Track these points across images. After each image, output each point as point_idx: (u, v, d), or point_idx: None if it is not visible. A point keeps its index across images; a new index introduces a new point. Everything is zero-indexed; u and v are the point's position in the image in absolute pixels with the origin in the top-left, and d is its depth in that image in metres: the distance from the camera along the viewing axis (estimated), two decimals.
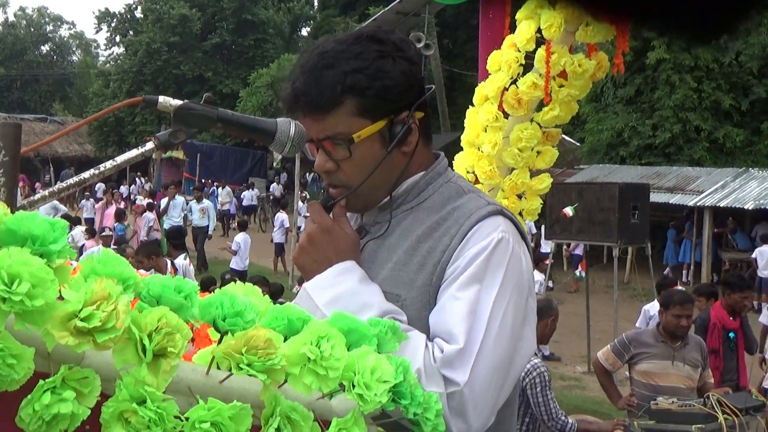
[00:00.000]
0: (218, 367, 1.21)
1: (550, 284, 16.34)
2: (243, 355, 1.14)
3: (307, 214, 1.75)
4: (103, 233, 15.13)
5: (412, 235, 1.65)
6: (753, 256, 17.29)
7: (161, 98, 1.59)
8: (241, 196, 29.92)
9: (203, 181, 30.86)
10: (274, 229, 19.52)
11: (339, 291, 1.58)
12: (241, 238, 14.87)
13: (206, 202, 19.82)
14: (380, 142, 1.64)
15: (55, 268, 1.07)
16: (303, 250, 1.69)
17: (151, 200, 19.57)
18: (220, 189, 29.14)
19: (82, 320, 1.04)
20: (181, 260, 9.63)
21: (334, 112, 1.61)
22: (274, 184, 30.65)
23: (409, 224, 1.68)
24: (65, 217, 18.09)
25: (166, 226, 18.82)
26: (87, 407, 1.08)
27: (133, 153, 1.58)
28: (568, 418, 5.14)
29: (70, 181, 1.54)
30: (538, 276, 12.54)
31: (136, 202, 19.24)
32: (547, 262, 12.65)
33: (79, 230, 15.86)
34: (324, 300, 1.57)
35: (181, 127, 1.59)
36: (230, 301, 1.20)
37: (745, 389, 6.54)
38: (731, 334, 7.41)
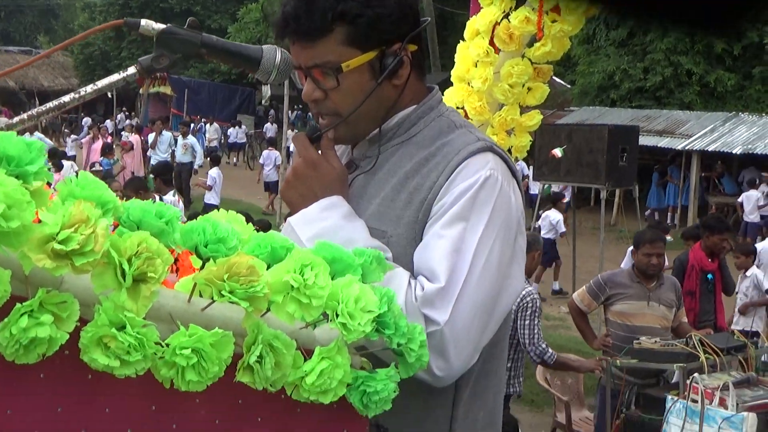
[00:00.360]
0: (201, 295, 1.19)
1: (538, 224, 16.39)
2: (225, 282, 1.12)
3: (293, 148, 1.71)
4: (93, 168, 14.98)
5: (401, 170, 1.62)
6: (739, 200, 17.38)
7: (144, 22, 1.54)
8: (228, 133, 29.67)
9: (191, 117, 30.61)
10: (266, 168, 19.39)
11: (323, 226, 1.55)
12: (215, 172, 14.83)
13: (190, 138, 19.67)
14: (370, 73, 1.60)
15: (32, 191, 1.04)
16: (289, 185, 1.67)
17: (138, 135, 19.42)
18: (207, 125, 28.93)
19: (59, 243, 1.01)
20: (170, 197, 9.59)
21: (323, 39, 1.56)
22: (268, 124, 30.20)
23: (398, 159, 1.64)
24: (53, 151, 17.93)
25: (153, 161, 18.75)
26: (65, 332, 1.06)
27: (115, 77, 1.54)
28: (549, 349, 5.29)
29: (50, 105, 1.50)
30: (557, 215, 12.56)
31: (123, 137, 19.05)
32: (565, 201, 12.62)
33: (70, 165, 15.72)
34: (308, 235, 1.54)
35: (164, 52, 1.55)
36: (212, 228, 1.18)
37: (722, 330, 6.62)
38: (709, 276, 7.46)
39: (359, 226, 1.57)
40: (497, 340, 1.66)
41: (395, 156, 1.65)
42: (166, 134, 19.89)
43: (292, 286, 1.17)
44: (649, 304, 5.63)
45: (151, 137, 19.66)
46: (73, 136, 24.50)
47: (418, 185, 1.58)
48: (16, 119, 1.46)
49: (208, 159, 17.08)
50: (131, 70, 1.54)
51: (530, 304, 5.24)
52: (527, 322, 5.23)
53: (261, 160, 20.67)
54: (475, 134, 1.65)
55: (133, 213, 1.14)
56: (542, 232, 12.48)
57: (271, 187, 18.75)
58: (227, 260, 1.13)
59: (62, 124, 33.90)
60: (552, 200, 13.60)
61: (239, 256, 1.14)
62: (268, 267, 1.20)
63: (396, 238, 1.57)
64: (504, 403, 5.41)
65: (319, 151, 1.68)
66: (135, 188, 8.27)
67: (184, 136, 19.32)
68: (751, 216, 16.38)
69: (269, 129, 29.28)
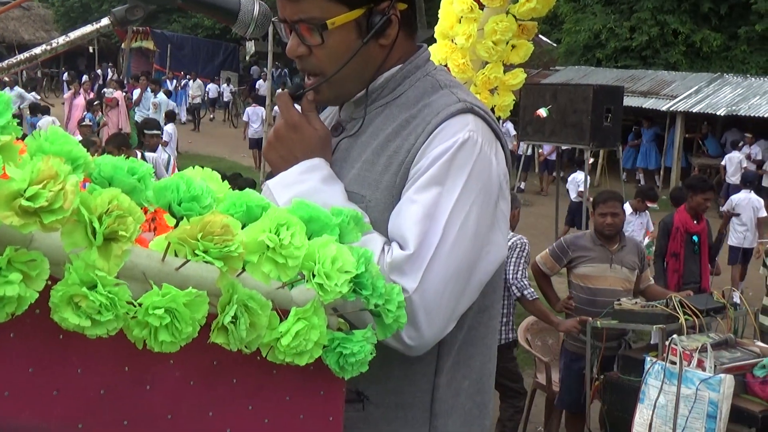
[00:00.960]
0: (176, 254, 1.16)
1: (522, 186, 16.41)
2: (199, 241, 1.09)
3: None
4: (82, 123, 14.76)
5: (383, 133, 1.58)
6: (722, 162, 17.43)
7: None
8: (207, 89, 29.27)
9: (174, 72, 30.26)
10: (253, 125, 19.21)
11: (300, 190, 1.52)
12: (170, 128, 14.79)
13: (160, 96, 19.50)
14: (356, 32, 1.56)
15: (0, 145, 1.01)
16: (270, 146, 1.63)
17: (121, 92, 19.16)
18: (191, 82, 28.59)
19: (27, 200, 0.98)
20: (161, 152, 9.57)
21: None
22: (260, 80, 29.51)
23: (382, 121, 1.60)
24: (34, 105, 17.67)
25: (137, 118, 18.55)
26: (35, 290, 1.03)
27: (88, 29, 1.49)
28: (531, 287, 5.41)
29: (20, 56, 1.46)
30: (580, 175, 12.45)
31: (106, 93, 18.76)
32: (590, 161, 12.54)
33: (48, 120, 15.52)
34: (285, 198, 1.51)
35: (139, 3, 1.50)
36: (186, 185, 1.15)
37: (706, 292, 6.66)
38: (695, 237, 7.51)
39: (338, 190, 1.53)
40: (485, 306, 1.64)
41: (379, 117, 1.62)
42: (150, 93, 19.71)
43: (268, 246, 1.15)
44: (612, 266, 5.60)
45: (136, 93, 19.42)
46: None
47: (397, 148, 1.54)
48: None
49: (164, 115, 16.95)
50: (105, 21, 1.49)
51: (518, 246, 5.54)
52: (513, 260, 5.55)
53: (245, 117, 20.45)
54: (456, 95, 1.59)
55: (104, 169, 1.11)
56: (572, 196, 12.48)
57: (258, 145, 18.51)
58: (201, 219, 1.10)
59: (43, 79, 33.48)
60: (576, 162, 13.48)
61: (213, 214, 1.12)
62: (244, 226, 1.17)
63: (374, 202, 1.54)
64: (507, 353, 5.62)
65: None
66: (117, 144, 8.16)
67: (155, 94, 19.16)
68: (733, 178, 16.43)
69: (261, 86, 28.43)
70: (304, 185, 1.53)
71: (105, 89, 19.33)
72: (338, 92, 1.65)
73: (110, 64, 33.43)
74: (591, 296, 5.61)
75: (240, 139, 21.15)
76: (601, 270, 5.63)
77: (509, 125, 16.73)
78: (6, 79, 18.45)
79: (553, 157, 16.08)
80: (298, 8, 1.54)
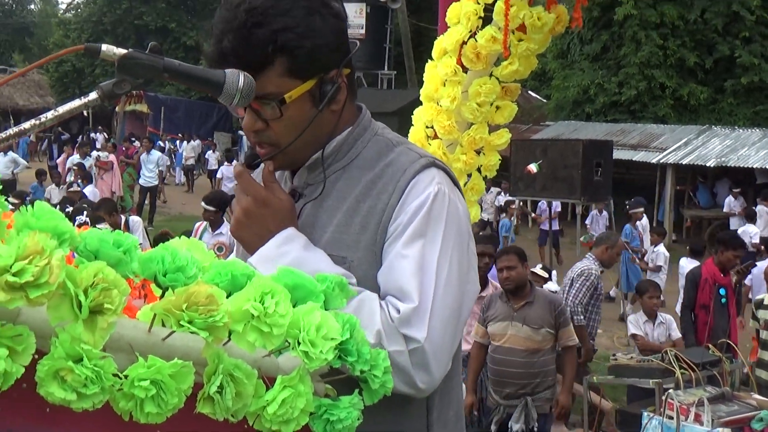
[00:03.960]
0: (163, 324, 1.17)
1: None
2: (184, 311, 1.11)
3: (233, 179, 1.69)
4: (70, 189, 14.68)
5: (350, 195, 1.63)
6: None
7: (104, 47, 1.53)
8: (206, 156, 28.24)
9: (168, 135, 30.40)
10: (228, 185, 19.36)
11: (286, 261, 1.53)
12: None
13: (153, 154, 19.61)
14: (311, 101, 1.61)
15: None
16: (241, 225, 1.64)
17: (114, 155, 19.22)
18: (184, 143, 28.65)
19: (13, 275, 1.00)
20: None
21: (264, 72, 1.56)
22: (210, 151, 28.28)
23: (344, 185, 1.65)
24: (39, 171, 17.55)
25: (141, 182, 18.60)
26: (21, 365, 1.04)
27: (76, 103, 1.52)
28: (583, 319, 5.69)
29: (9, 132, 1.48)
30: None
31: (101, 157, 18.79)
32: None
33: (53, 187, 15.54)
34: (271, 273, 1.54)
35: (126, 78, 1.53)
36: (172, 256, 1.17)
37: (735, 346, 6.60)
38: (722, 290, 7.46)
39: (321, 256, 1.57)
40: None
41: (340, 181, 1.66)
42: (155, 153, 19.80)
43: (253, 315, 1.16)
44: (512, 323, 5.39)
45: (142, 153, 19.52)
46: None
47: (370, 208, 1.60)
48: None
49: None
50: (92, 95, 1.52)
51: (591, 276, 6.18)
52: (578, 285, 6.18)
53: (219, 174, 20.61)
54: (415, 151, 1.68)
55: (90, 243, 1.13)
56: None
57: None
58: (186, 289, 1.12)
59: (37, 143, 33.63)
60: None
61: (198, 285, 1.13)
62: (229, 295, 1.19)
63: (357, 262, 1.58)
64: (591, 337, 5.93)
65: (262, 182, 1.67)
66: (108, 210, 8.16)
67: (148, 152, 19.27)
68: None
69: (211, 156, 27.58)
70: (288, 257, 1.55)
71: (98, 152, 19.37)
72: (293, 159, 1.69)
73: (100, 127, 33.52)
74: (493, 353, 5.47)
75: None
76: (502, 328, 5.45)
77: (557, 204, 14.83)
78: None
79: (555, 227, 15.44)
80: None
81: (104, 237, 1.13)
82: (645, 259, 11.97)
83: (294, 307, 1.23)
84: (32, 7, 64.48)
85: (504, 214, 16.64)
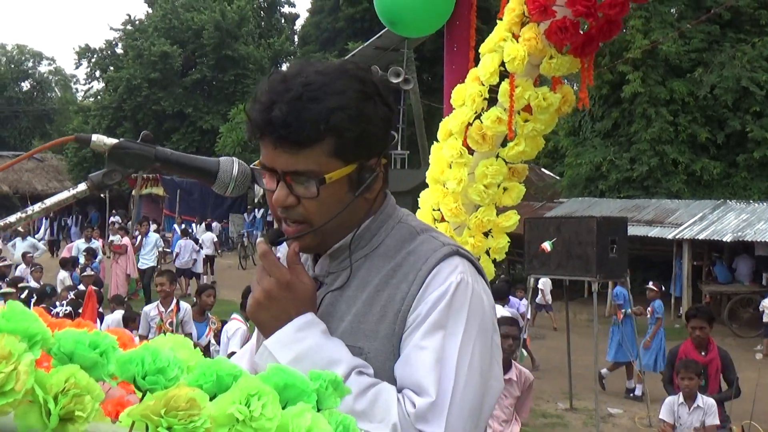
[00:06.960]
0: (146, 428, 1.11)
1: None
2: (162, 417, 1.04)
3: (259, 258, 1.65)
4: (84, 273, 14.71)
5: (370, 284, 1.59)
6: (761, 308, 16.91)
7: (95, 137, 1.50)
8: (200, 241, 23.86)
9: (182, 217, 30.53)
10: (182, 259, 20.31)
11: (303, 347, 1.51)
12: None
13: (151, 236, 19.80)
14: (347, 185, 1.58)
15: None
16: (260, 306, 1.59)
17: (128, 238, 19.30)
18: (197, 227, 28.64)
19: None
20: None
21: (311, 148, 1.52)
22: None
23: (366, 273, 1.61)
24: (64, 260, 17.61)
25: (140, 264, 18.62)
26: None
27: (64, 195, 1.49)
28: None
29: (8, 219, 1.45)
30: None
31: (114, 241, 18.89)
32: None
33: (67, 274, 15.54)
34: (288, 358, 1.49)
35: (116, 168, 1.50)
36: (152, 357, 1.10)
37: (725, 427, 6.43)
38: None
39: (339, 345, 1.53)
40: None
41: (362, 270, 1.62)
42: (153, 236, 19.87)
43: (237, 419, 1.08)
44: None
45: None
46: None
47: (389, 297, 1.55)
48: None
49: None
50: (81, 186, 1.50)
51: None
52: None
53: (177, 248, 21.09)
54: (438, 239, 1.63)
55: (64, 344, 1.06)
56: None
57: (184, 273, 20.32)
58: (165, 393, 1.05)
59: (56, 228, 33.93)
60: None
61: (179, 388, 1.06)
62: (213, 397, 1.12)
63: (373, 353, 1.54)
64: None
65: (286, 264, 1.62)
66: (120, 302, 8.21)
67: (145, 236, 19.41)
68: None
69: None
70: (305, 343, 1.51)
71: (112, 237, 19.50)
72: (321, 243, 1.64)
73: (113, 211, 33.65)
74: None
75: (248, 282, 21.20)
76: None
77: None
78: (20, 229, 18.68)
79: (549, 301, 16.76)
80: (295, 161, 1.53)
81: (80, 338, 1.07)
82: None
83: (284, 408, 1.16)
84: (52, 94, 65.87)
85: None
